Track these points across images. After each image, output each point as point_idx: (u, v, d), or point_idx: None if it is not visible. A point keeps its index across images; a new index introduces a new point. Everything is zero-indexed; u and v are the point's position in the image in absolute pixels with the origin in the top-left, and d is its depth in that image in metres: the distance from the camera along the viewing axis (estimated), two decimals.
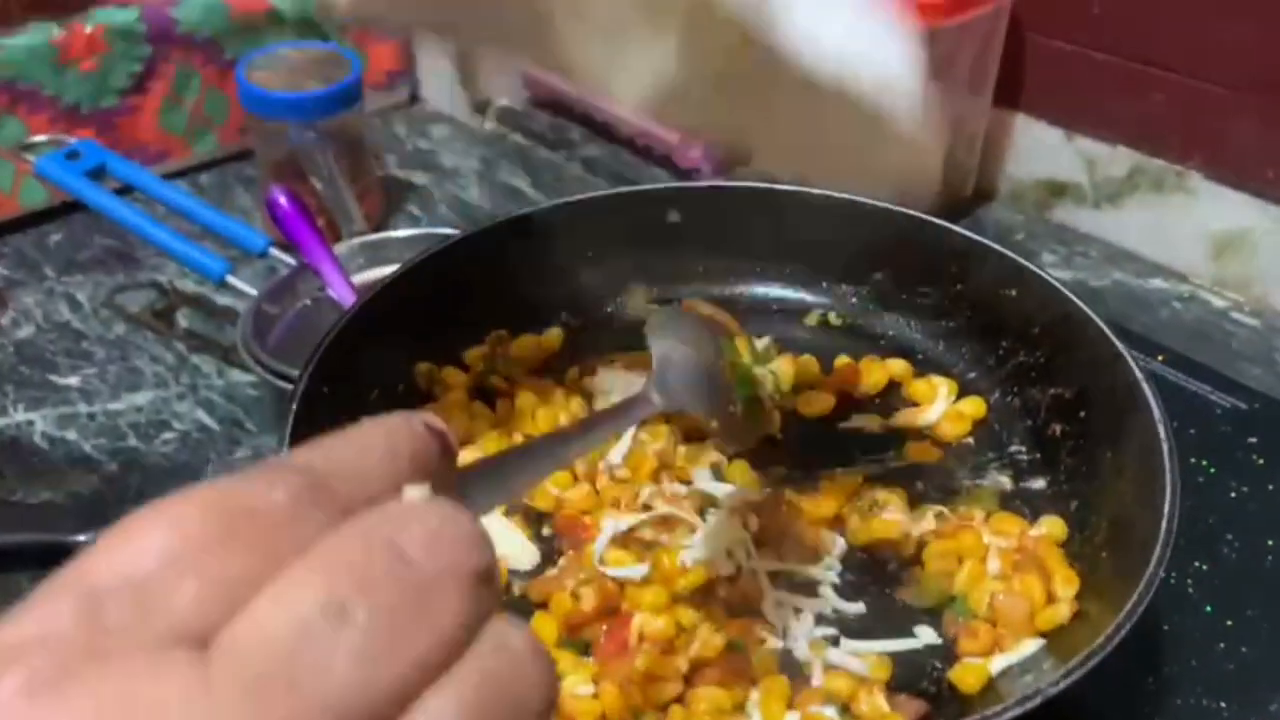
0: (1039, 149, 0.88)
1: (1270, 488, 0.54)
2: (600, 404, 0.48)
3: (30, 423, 0.74)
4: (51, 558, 0.41)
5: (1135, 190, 0.84)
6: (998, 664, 0.37)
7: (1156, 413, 0.40)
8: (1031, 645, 0.38)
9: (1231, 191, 0.79)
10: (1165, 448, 0.39)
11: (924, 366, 0.51)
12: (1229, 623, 0.48)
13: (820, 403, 0.49)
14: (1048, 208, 0.90)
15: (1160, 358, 0.63)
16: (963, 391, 0.50)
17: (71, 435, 0.73)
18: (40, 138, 0.83)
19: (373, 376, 0.48)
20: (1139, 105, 0.81)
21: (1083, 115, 0.85)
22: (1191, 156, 0.81)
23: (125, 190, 0.82)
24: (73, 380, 0.78)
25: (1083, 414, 0.45)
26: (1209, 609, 0.48)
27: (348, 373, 0.46)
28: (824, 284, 0.55)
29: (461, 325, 0.51)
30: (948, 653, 0.40)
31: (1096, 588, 0.38)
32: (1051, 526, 0.43)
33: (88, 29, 0.90)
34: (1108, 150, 0.84)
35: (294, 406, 0.41)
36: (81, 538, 0.37)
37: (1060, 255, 0.86)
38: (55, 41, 0.89)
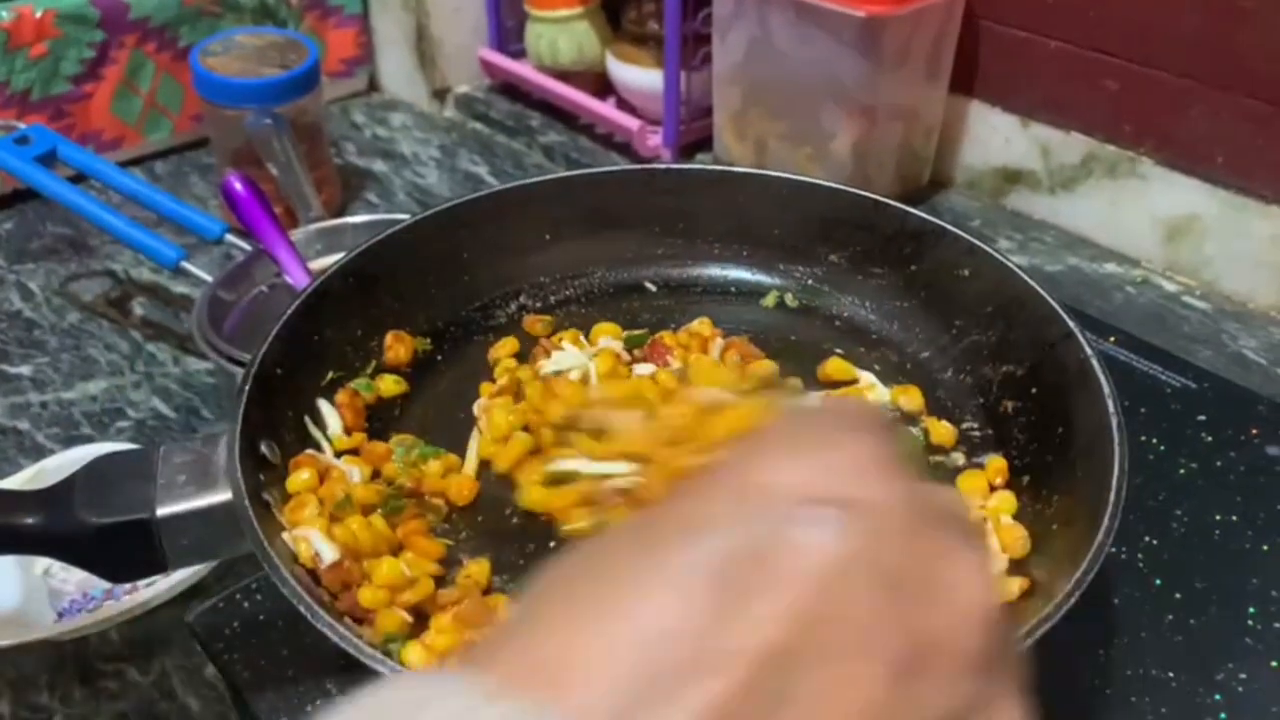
0: (995, 136, 0.89)
1: (1218, 464, 0.55)
2: (567, 383, 0.47)
3: None
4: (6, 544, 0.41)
5: (1089, 176, 0.86)
6: None
7: (1106, 389, 0.41)
8: None
9: (1182, 177, 0.80)
10: (1114, 423, 0.39)
11: (878, 346, 0.52)
12: (1177, 595, 0.49)
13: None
14: (1004, 195, 0.91)
15: (1112, 339, 0.64)
16: (915, 370, 0.50)
17: (24, 425, 0.72)
18: None
19: (327, 359, 0.47)
20: (1092, 93, 0.82)
21: (1037, 103, 0.86)
22: (1143, 143, 0.82)
23: (78, 177, 0.81)
24: (24, 370, 0.77)
25: (1034, 391, 0.45)
26: (1158, 582, 0.49)
27: (302, 356, 0.45)
28: (780, 266, 0.55)
29: (418, 307, 0.51)
30: None
31: (1047, 560, 0.39)
32: (1003, 500, 0.43)
33: (37, 14, 0.89)
34: (1062, 137, 0.85)
35: (246, 388, 0.41)
36: (30, 520, 0.37)
37: (1016, 241, 0.87)
38: (3, 26, 0.88)
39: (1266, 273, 0.79)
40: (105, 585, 0.60)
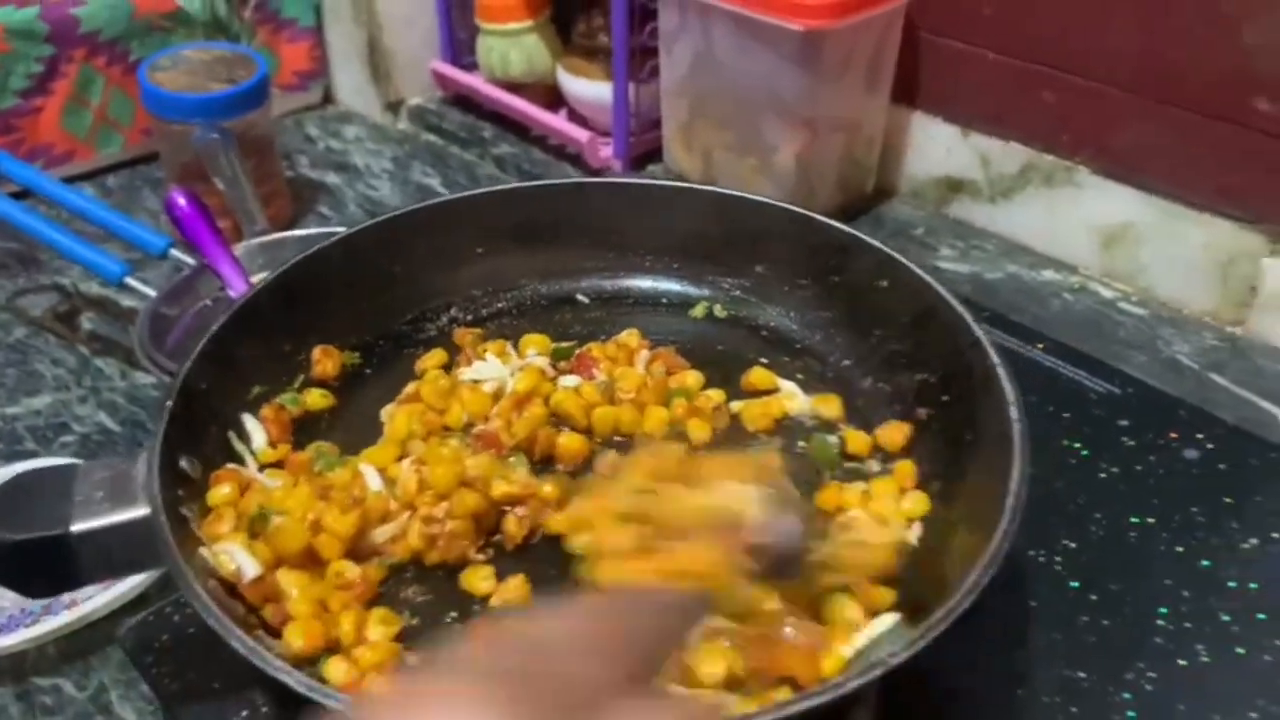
0: (936, 147, 0.91)
1: (1138, 468, 0.57)
2: (472, 389, 0.48)
3: None
4: None
5: (1028, 185, 0.87)
6: (860, 640, 0.39)
7: (1010, 394, 0.42)
8: (889, 620, 0.39)
9: (1118, 186, 0.82)
10: (1016, 429, 0.41)
11: (802, 355, 0.53)
12: (1093, 597, 0.50)
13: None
14: (946, 204, 0.92)
15: (1040, 345, 0.66)
16: (836, 378, 0.52)
17: None
18: None
19: (254, 374, 0.48)
20: (1030, 104, 0.84)
21: (977, 114, 0.87)
22: (1080, 153, 0.83)
23: (23, 194, 0.81)
24: None
25: (945, 398, 0.46)
26: (1074, 584, 0.50)
27: (227, 371, 0.46)
28: (709, 277, 0.56)
29: (347, 321, 0.52)
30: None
31: (954, 561, 0.40)
32: (916, 503, 0.44)
33: None
34: (1001, 147, 0.87)
35: (168, 404, 0.41)
36: None
37: (958, 250, 0.88)
38: None
39: (1199, 278, 0.80)
40: (44, 601, 0.60)
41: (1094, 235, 0.84)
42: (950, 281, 0.56)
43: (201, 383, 0.44)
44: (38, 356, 0.79)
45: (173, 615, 0.48)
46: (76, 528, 0.38)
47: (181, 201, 0.71)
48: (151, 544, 0.37)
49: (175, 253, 0.74)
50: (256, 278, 0.71)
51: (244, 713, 0.44)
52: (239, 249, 0.73)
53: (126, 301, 0.84)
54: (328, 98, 1.11)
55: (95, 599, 0.57)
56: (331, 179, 0.99)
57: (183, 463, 0.41)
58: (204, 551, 0.39)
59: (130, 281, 0.72)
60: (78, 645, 0.58)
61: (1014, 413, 0.41)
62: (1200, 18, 0.74)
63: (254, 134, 0.86)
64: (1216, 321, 0.80)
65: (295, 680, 0.33)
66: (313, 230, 0.79)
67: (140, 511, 0.38)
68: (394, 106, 1.07)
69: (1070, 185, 0.85)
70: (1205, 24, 0.74)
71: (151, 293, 0.71)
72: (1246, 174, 0.75)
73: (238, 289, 0.69)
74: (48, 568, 0.38)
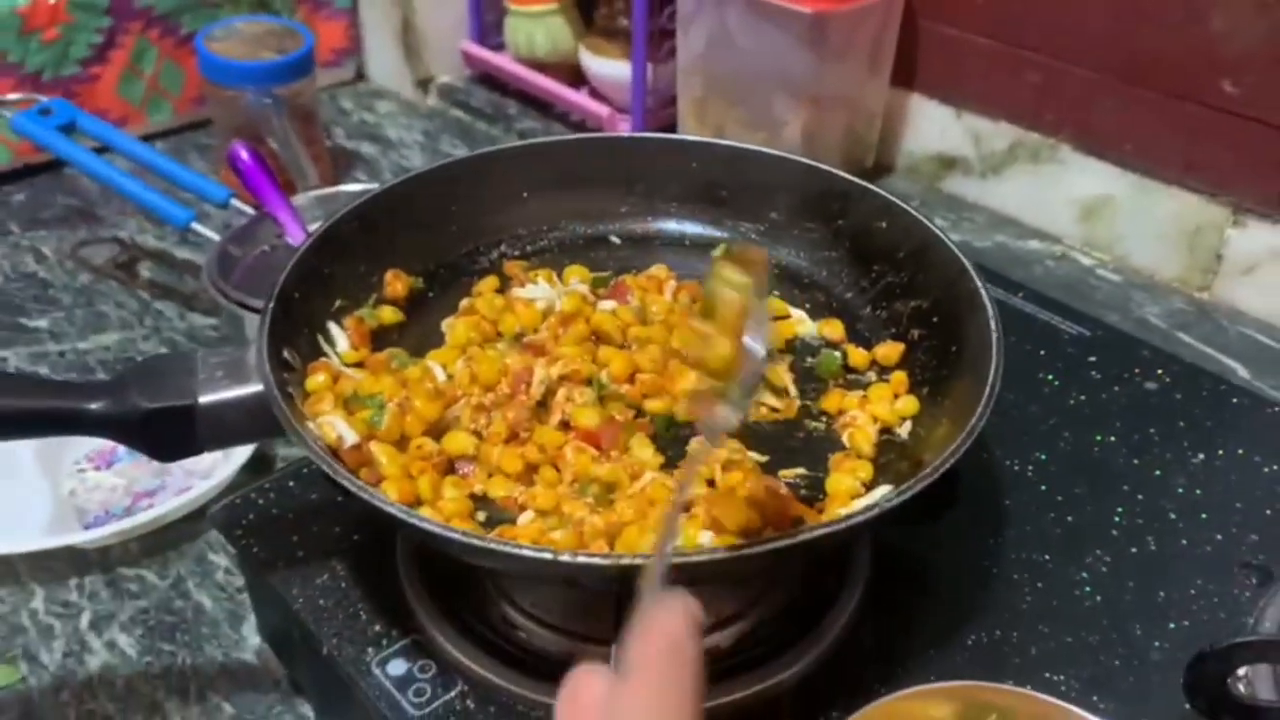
0: (932, 126, 0.98)
1: (1103, 396, 0.64)
2: (526, 304, 0.56)
3: (3, 359, 0.80)
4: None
5: (1015, 162, 0.95)
6: (857, 505, 0.46)
7: (989, 310, 0.49)
8: (884, 489, 0.47)
9: (1096, 162, 0.90)
10: (994, 337, 0.48)
11: (809, 289, 0.60)
12: (1059, 498, 0.57)
13: None
14: (940, 179, 0.99)
15: (1020, 294, 0.73)
16: (840, 307, 0.59)
17: (44, 369, 0.79)
18: (13, 95, 0.89)
19: (335, 290, 0.55)
20: (1017, 85, 0.92)
21: (970, 95, 0.95)
22: (1062, 131, 0.91)
23: (94, 148, 0.88)
24: (42, 323, 0.84)
25: (935, 320, 0.54)
26: (1043, 488, 0.58)
27: (315, 284, 0.53)
28: (728, 222, 0.63)
29: (413, 251, 0.59)
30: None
31: (936, 444, 0.47)
32: (907, 403, 0.52)
33: (51, 0, 0.96)
34: (991, 126, 0.94)
35: (270, 306, 0.49)
36: (91, 406, 0.45)
37: (950, 221, 0.95)
38: (20, 11, 0.95)
39: (1170, 247, 0.88)
40: (125, 503, 0.67)
41: (1074, 208, 0.92)
42: None
43: (295, 292, 0.51)
44: (102, 300, 0.86)
45: (257, 499, 0.55)
46: (204, 399, 0.45)
47: (244, 154, 0.78)
48: (265, 415, 0.44)
49: (235, 202, 0.81)
50: (312, 227, 0.79)
51: (324, 576, 0.51)
52: (296, 200, 0.80)
53: (180, 252, 0.91)
54: (360, 74, 1.18)
55: (169, 502, 0.65)
56: (366, 149, 1.06)
57: (285, 353, 0.48)
58: (310, 424, 0.46)
59: (196, 227, 0.79)
60: (156, 543, 0.65)
61: (993, 325, 0.49)
62: (1171, 4, 0.81)
63: (300, 101, 0.93)
64: (1185, 287, 0.87)
65: (397, 510, 0.40)
66: (365, 185, 0.86)
67: (255, 387, 0.45)
68: (424, 83, 1.14)
69: (1054, 162, 0.92)
70: (1175, 10, 0.81)
71: (215, 237, 0.78)
72: (1211, 150, 0.83)
73: (296, 235, 0.77)
74: (177, 434, 0.45)
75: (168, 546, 0.66)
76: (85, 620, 0.61)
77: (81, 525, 0.66)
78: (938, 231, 0.55)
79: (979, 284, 0.52)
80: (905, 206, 0.57)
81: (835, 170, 0.59)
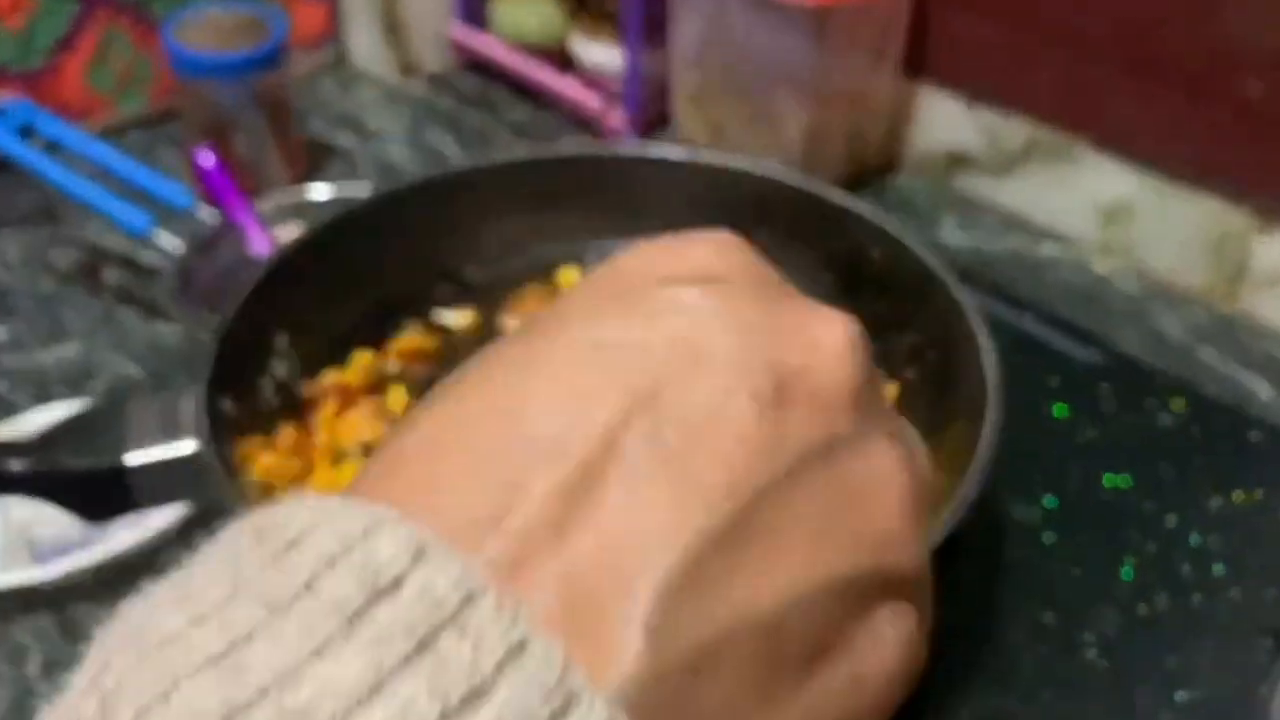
0: (942, 120, 0.93)
1: (1115, 430, 0.60)
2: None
3: None
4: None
5: (1029, 160, 0.89)
6: None
7: (987, 347, 0.45)
8: None
9: (1115, 163, 0.84)
10: (991, 382, 0.44)
11: None
12: (1065, 548, 0.53)
13: None
14: (949, 177, 0.94)
15: (1028, 315, 0.68)
16: None
17: (3, 385, 0.76)
18: None
19: (282, 324, 0.51)
20: (1032, 80, 0.86)
21: (983, 89, 0.89)
22: (1079, 129, 0.86)
23: (52, 148, 0.84)
24: (0, 334, 0.80)
25: (931, 356, 0.49)
26: (1049, 536, 0.54)
27: (263, 320, 0.49)
28: None
29: (371, 277, 0.55)
30: None
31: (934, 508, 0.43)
32: None
33: None
34: (1004, 122, 0.89)
35: (218, 346, 0.45)
36: (16, 466, 0.41)
37: (959, 222, 0.90)
38: None
39: (1192, 255, 0.83)
40: (78, 539, 0.64)
41: (1092, 211, 0.87)
42: (951, 253, 0.58)
43: (237, 339, 0.47)
44: (64, 307, 0.82)
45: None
46: (132, 459, 0.41)
47: (206, 158, 0.74)
48: (203, 475, 0.41)
49: (200, 208, 0.77)
50: (279, 229, 0.75)
51: None
52: (262, 206, 0.75)
53: (146, 256, 0.87)
54: (341, 59, 1.13)
55: (121, 537, 0.61)
56: (345, 140, 1.01)
57: (225, 404, 0.45)
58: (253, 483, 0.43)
59: (154, 235, 0.75)
60: (109, 574, 0.62)
61: (990, 368, 0.44)
62: (1186, 4, 0.76)
63: (273, 94, 0.89)
64: (1207, 298, 0.83)
65: None
66: (334, 194, 0.82)
67: (190, 445, 0.41)
68: (408, 69, 1.09)
69: (1070, 161, 0.87)
70: (1191, 9, 0.75)
71: (175, 246, 0.74)
72: (1235, 151, 0.78)
73: (260, 245, 0.72)
74: (106, 495, 0.41)
75: (125, 583, 0.62)
76: (34, 666, 0.58)
77: (33, 559, 0.63)
78: (932, 261, 0.51)
79: (975, 324, 0.47)
80: (898, 234, 0.53)
81: (826, 194, 0.55)
